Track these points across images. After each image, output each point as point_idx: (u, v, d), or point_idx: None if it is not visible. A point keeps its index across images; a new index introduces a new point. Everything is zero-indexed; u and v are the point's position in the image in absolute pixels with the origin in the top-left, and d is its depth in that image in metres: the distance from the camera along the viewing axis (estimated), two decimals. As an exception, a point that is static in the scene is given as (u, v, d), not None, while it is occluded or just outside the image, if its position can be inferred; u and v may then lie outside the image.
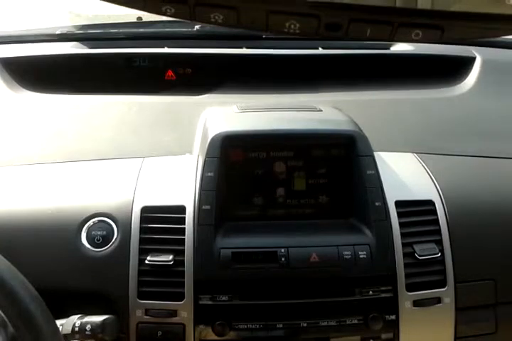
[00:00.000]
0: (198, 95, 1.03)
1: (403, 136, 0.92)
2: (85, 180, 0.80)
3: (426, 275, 0.73)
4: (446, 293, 0.73)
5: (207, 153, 0.74)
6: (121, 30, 1.18)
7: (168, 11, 0.34)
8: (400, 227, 0.74)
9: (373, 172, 0.75)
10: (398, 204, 0.76)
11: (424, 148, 0.87)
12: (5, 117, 0.96)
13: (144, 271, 0.70)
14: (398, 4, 0.34)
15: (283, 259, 0.70)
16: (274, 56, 1.11)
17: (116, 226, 0.73)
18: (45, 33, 1.18)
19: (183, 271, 0.70)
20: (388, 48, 1.18)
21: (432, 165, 0.83)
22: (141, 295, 0.70)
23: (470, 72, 1.09)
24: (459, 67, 1.10)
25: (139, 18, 1.28)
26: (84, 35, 1.18)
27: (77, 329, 0.64)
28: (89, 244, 0.72)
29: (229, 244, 0.71)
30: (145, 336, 0.69)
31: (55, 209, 0.75)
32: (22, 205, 0.76)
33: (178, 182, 0.77)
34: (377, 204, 0.74)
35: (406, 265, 0.72)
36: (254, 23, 0.34)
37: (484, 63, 1.10)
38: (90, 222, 0.73)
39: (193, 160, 0.80)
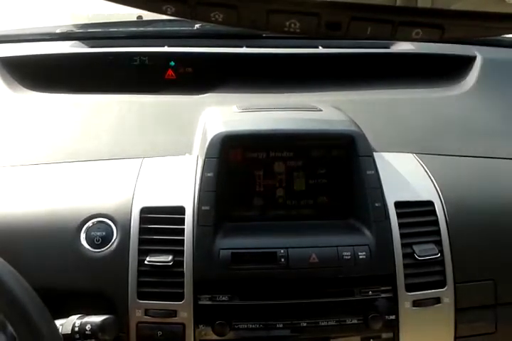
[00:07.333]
0: (198, 94, 1.03)
1: (403, 136, 0.92)
2: (84, 180, 0.79)
3: (425, 275, 0.73)
4: (446, 294, 0.73)
5: (206, 153, 0.74)
6: (121, 29, 1.18)
7: (169, 9, 0.34)
8: (400, 228, 0.74)
9: (373, 172, 0.75)
10: (398, 204, 0.75)
11: (424, 148, 0.87)
12: (4, 116, 0.96)
13: (144, 271, 0.70)
14: (399, 3, 0.34)
15: (282, 260, 0.70)
16: (274, 55, 1.11)
17: (116, 227, 0.73)
18: (45, 32, 1.18)
19: (183, 272, 0.70)
20: (388, 47, 1.18)
21: (431, 166, 0.82)
22: (141, 296, 0.70)
23: (470, 71, 1.09)
24: (460, 66, 1.10)
25: (140, 17, 1.28)
26: (85, 34, 1.18)
27: (76, 329, 0.64)
28: (88, 244, 0.72)
29: (228, 244, 0.71)
30: (145, 336, 0.69)
31: (54, 209, 0.75)
32: (21, 206, 0.76)
33: (177, 183, 0.77)
34: (376, 204, 0.74)
35: (405, 265, 0.72)
36: (255, 22, 0.34)
37: (485, 62, 1.10)
38: (90, 223, 0.73)
39: (192, 161, 0.80)
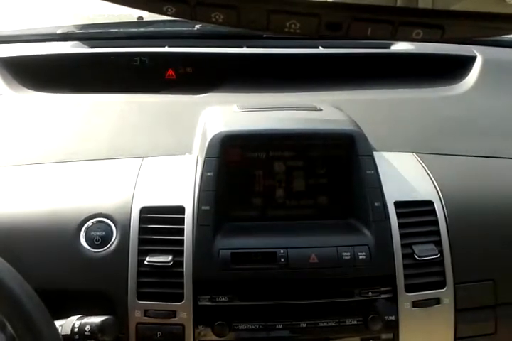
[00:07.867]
0: (199, 94, 1.03)
1: (403, 136, 0.92)
2: (84, 180, 0.79)
3: (425, 276, 0.73)
4: (446, 294, 0.73)
5: (206, 153, 0.74)
6: (121, 30, 1.18)
7: (169, 10, 0.34)
8: (399, 228, 0.74)
9: (373, 172, 0.75)
10: (397, 204, 0.75)
11: (424, 148, 0.87)
12: (5, 116, 0.96)
13: (143, 271, 0.70)
14: (399, 3, 0.34)
15: (282, 260, 0.70)
16: (274, 55, 1.11)
17: (116, 227, 0.73)
18: (45, 32, 1.18)
19: (182, 272, 0.70)
20: (388, 47, 1.18)
21: (431, 166, 0.82)
22: (140, 296, 0.70)
23: (470, 71, 1.09)
24: (460, 66, 1.10)
25: (140, 17, 1.28)
26: (85, 34, 1.18)
27: (76, 330, 0.64)
28: (88, 244, 0.72)
29: (228, 244, 0.71)
30: (144, 337, 0.69)
31: (53, 209, 0.75)
32: (21, 206, 0.76)
33: (177, 183, 0.77)
34: (376, 204, 0.74)
35: (405, 266, 0.72)
36: (255, 23, 0.34)
37: (485, 62, 1.10)
38: (89, 223, 0.73)
39: (192, 160, 0.80)
